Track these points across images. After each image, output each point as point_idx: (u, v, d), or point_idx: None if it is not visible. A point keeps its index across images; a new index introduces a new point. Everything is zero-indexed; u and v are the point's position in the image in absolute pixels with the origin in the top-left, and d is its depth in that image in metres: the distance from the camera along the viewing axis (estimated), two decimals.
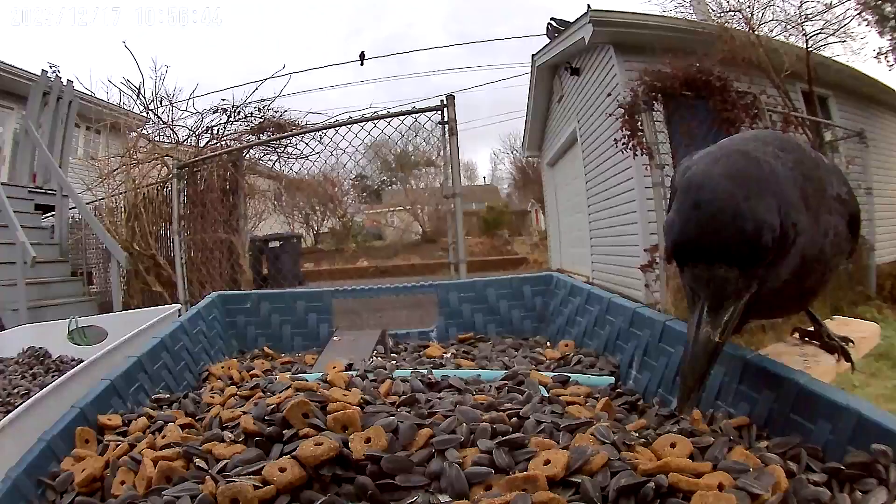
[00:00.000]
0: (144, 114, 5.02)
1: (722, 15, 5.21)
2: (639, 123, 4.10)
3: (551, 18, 6.50)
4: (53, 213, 4.35)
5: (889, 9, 6.01)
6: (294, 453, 0.43)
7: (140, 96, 4.93)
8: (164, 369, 0.73)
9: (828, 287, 0.60)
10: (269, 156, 4.65)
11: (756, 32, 4.97)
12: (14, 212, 3.49)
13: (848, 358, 0.66)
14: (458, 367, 0.76)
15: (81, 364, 0.72)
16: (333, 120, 3.72)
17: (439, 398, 0.57)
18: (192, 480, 0.43)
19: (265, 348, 0.95)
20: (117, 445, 0.52)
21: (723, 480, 0.38)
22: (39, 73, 4.62)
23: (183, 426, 0.56)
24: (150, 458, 0.46)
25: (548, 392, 0.62)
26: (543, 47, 6.98)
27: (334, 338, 0.94)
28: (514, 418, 0.51)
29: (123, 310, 2.86)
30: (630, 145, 4.14)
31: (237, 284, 4.19)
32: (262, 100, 4.80)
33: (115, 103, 5.03)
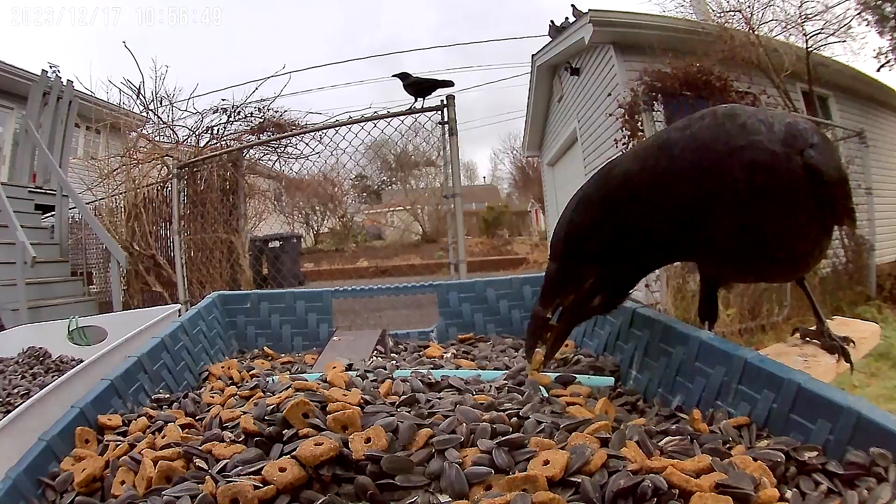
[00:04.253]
0: (144, 114, 5.02)
1: (722, 15, 5.21)
2: (639, 123, 4.11)
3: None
4: (53, 213, 4.35)
5: (889, 9, 6.01)
6: (294, 453, 0.43)
7: (140, 96, 4.93)
8: (164, 369, 0.73)
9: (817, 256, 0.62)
10: (269, 156, 4.65)
11: (756, 32, 4.97)
12: (14, 212, 3.49)
13: (848, 359, 0.66)
14: (457, 367, 0.76)
15: (81, 364, 0.72)
16: (333, 120, 3.71)
17: (439, 398, 0.57)
18: (192, 480, 0.43)
19: (265, 348, 0.95)
20: (117, 445, 0.52)
21: (721, 481, 0.38)
22: (39, 73, 4.62)
23: (183, 426, 0.56)
24: (150, 458, 0.46)
25: (548, 392, 0.62)
26: (543, 47, 6.98)
27: (334, 338, 0.94)
28: (514, 418, 0.51)
29: (123, 310, 2.86)
30: (630, 145, 4.14)
31: (237, 284, 4.18)
32: (262, 100, 4.80)
33: (115, 103, 5.02)
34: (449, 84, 3.31)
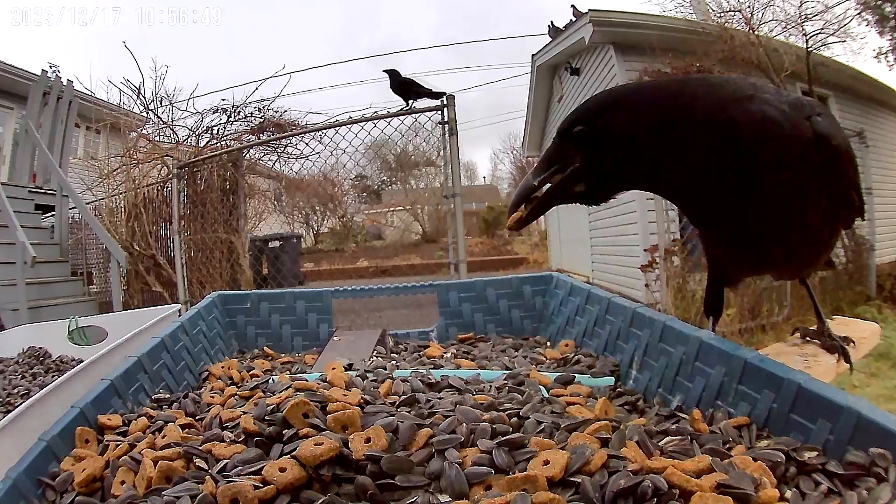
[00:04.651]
0: (144, 114, 5.02)
1: (722, 15, 5.20)
2: None
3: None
4: (53, 213, 4.35)
5: (889, 9, 6.00)
6: (294, 453, 0.43)
7: (140, 96, 4.93)
8: (164, 369, 0.73)
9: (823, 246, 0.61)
10: (269, 156, 4.65)
11: (756, 32, 4.97)
12: (14, 212, 3.49)
13: (847, 359, 0.66)
14: (458, 367, 0.76)
15: (81, 364, 0.72)
16: (333, 120, 3.71)
17: (439, 398, 0.57)
18: (192, 480, 0.43)
19: (265, 348, 0.95)
20: (117, 445, 0.52)
21: (722, 481, 0.38)
22: (39, 73, 4.62)
23: (183, 426, 0.56)
24: (150, 458, 0.46)
25: (548, 392, 0.62)
26: (543, 47, 6.99)
27: (334, 338, 0.94)
28: (514, 418, 0.51)
29: (123, 310, 2.86)
30: None
31: (237, 284, 4.18)
32: (262, 100, 4.80)
33: (115, 103, 5.03)
34: (440, 95, 3.28)
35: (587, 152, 0.57)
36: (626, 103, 0.56)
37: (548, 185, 0.59)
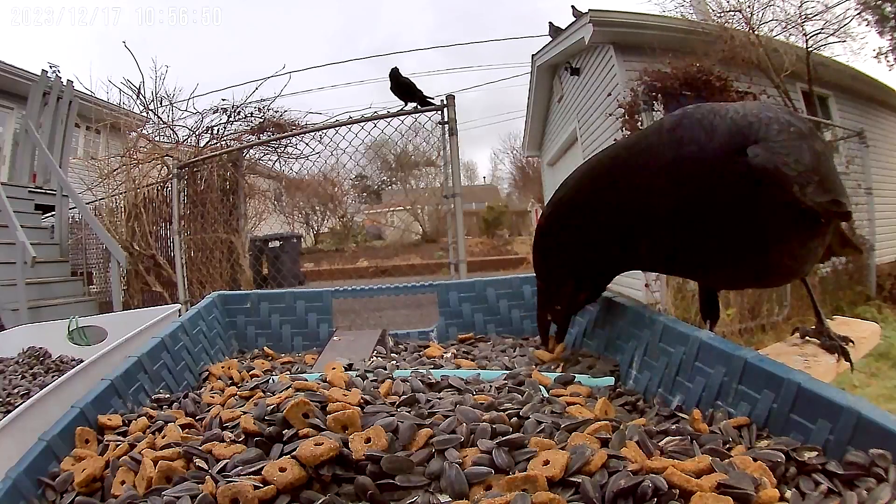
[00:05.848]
0: (144, 114, 5.02)
1: (722, 15, 5.21)
2: (639, 123, 4.10)
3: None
4: (53, 213, 4.35)
5: (889, 9, 6.00)
6: (294, 453, 0.43)
7: (140, 96, 4.93)
8: (164, 369, 0.73)
9: (810, 258, 0.62)
10: (269, 156, 4.65)
11: (756, 32, 4.97)
12: (14, 212, 3.49)
13: (847, 358, 0.66)
14: (458, 367, 0.76)
15: (81, 364, 0.72)
16: (333, 120, 3.72)
17: (439, 398, 0.57)
18: (192, 480, 0.43)
19: (265, 348, 0.95)
20: (117, 445, 0.52)
21: (722, 481, 0.38)
22: (39, 73, 4.62)
23: (183, 426, 0.56)
24: (150, 458, 0.46)
25: (548, 392, 0.62)
26: (543, 47, 6.99)
27: (334, 338, 0.94)
28: (514, 418, 0.51)
29: (123, 310, 2.86)
30: None
31: (237, 284, 4.18)
32: (262, 100, 4.80)
33: (115, 103, 5.03)
34: (430, 103, 3.37)
35: (574, 279, 0.68)
36: (573, 227, 0.63)
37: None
